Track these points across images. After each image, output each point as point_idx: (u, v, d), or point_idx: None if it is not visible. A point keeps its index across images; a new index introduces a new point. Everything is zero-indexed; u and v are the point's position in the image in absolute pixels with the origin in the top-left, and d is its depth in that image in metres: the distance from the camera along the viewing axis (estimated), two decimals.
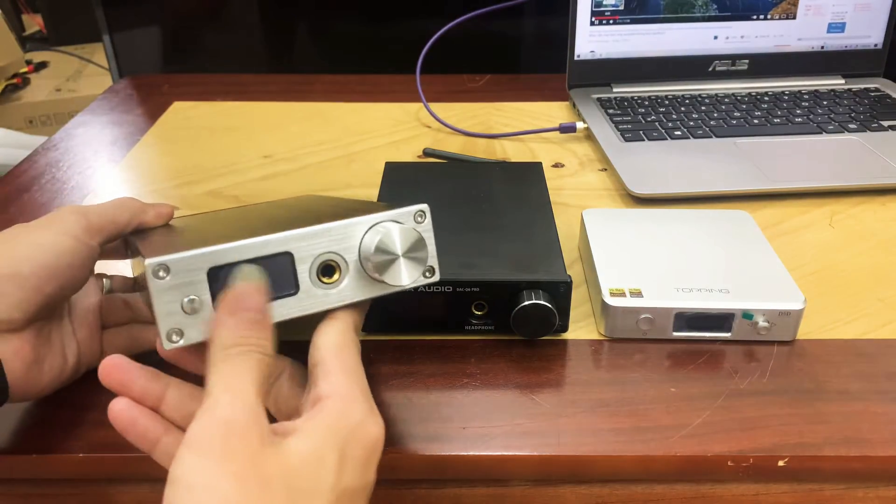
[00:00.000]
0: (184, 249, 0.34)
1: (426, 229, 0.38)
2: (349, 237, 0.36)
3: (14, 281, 0.35)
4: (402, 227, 0.36)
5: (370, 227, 0.36)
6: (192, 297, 0.34)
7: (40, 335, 0.37)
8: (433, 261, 0.38)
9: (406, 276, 0.37)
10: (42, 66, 1.91)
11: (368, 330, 0.46)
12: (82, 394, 0.42)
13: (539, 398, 0.42)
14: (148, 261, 0.33)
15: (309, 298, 0.36)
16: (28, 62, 1.85)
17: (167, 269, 0.33)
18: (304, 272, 0.36)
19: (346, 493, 0.30)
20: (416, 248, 0.37)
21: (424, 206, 0.38)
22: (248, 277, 0.33)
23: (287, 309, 0.36)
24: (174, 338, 0.34)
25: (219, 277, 0.34)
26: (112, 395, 0.42)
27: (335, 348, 0.34)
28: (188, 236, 0.40)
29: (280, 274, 0.35)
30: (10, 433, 0.39)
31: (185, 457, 0.28)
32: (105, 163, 0.72)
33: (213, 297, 0.34)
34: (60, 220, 0.38)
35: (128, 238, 0.42)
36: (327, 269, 0.36)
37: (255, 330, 0.32)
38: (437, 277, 0.39)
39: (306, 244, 0.35)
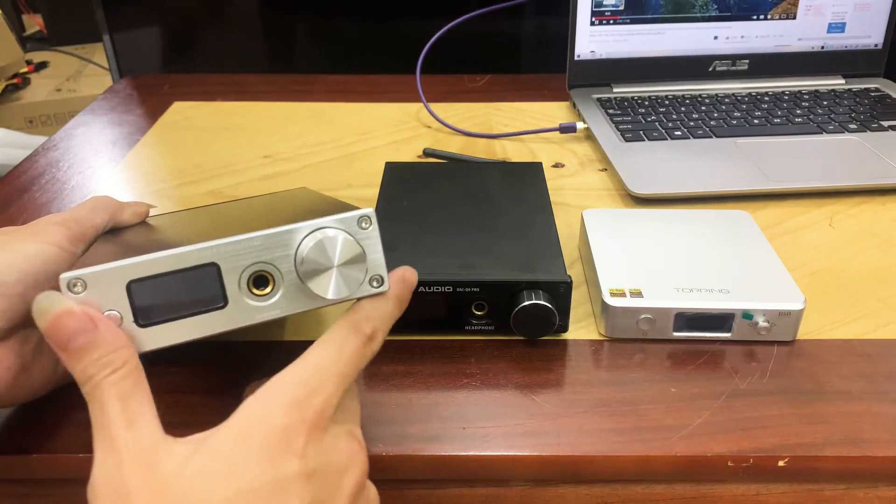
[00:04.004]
0: (107, 261, 0.32)
1: (370, 236, 0.35)
2: (283, 245, 0.34)
3: None
4: (341, 235, 0.34)
5: (307, 234, 0.34)
6: (110, 311, 0.33)
7: (27, 341, 0.37)
8: (380, 270, 0.36)
9: (337, 289, 0.35)
10: (42, 66, 1.91)
11: None
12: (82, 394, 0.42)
13: (539, 398, 0.42)
14: (63, 275, 0.32)
15: (239, 312, 0.34)
16: (28, 62, 1.85)
17: (83, 284, 0.32)
18: (233, 284, 0.34)
19: (242, 494, 0.28)
20: (354, 259, 0.35)
21: (369, 211, 0.35)
22: (46, 309, 0.31)
23: (215, 323, 0.34)
24: None
25: (141, 291, 0.33)
26: None
27: (315, 346, 0.33)
28: (128, 245, 0.39)
29: (206, 286, 0.34)
30: (10, 433, 0.39)
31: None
32: (105, 163, 0.72)
33: (134, 311, 0.33)
34: (44, 231, 0.37)
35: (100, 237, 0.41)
36: (260, 280, 0.35)
37: (91, 353, 0.30)
38: (386, 287, 0.36)
39: (233, 255, 0.34)
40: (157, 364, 0.43)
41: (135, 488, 0.27)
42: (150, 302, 0.33)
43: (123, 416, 0.29)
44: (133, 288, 0.33)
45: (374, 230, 0.36)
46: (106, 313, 0.33)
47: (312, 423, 0.30)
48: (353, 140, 0.76)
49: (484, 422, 0.40)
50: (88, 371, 0.30)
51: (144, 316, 0.34)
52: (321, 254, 0.34)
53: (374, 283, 0.36)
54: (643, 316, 0.45)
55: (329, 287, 0.35)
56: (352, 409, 0.34)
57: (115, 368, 0.30)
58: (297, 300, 0.35)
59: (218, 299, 0.34)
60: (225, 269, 0.34)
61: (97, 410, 0.30)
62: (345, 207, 0.36)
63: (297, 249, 0.34)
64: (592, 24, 0.80)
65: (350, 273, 0.35)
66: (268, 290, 0.35)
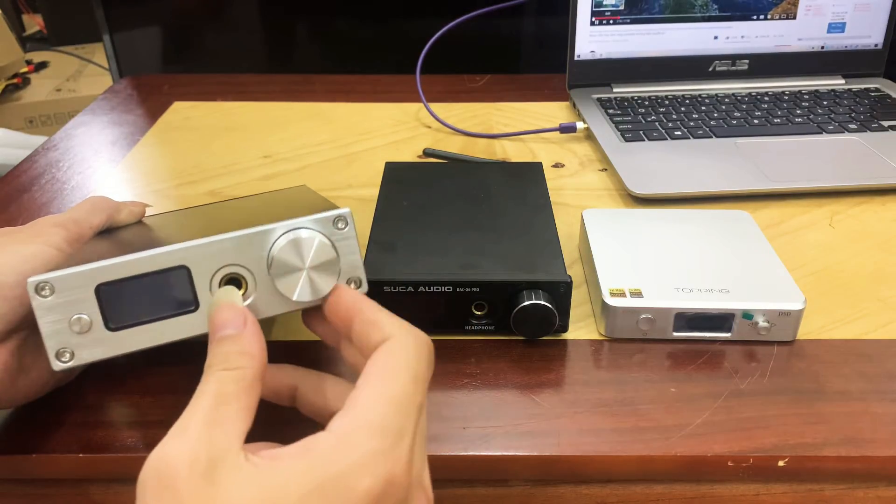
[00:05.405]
0: (76, 265, 0.32)
1: (346, 237, 0.35)
2: (255, 247, 0.34)
3: None
4: (316, 236, 0.34)
5: (280, 235, 0.34)
6: (80, 315, 0.32)
7: (25, 344, 0.37)
8: (358, 271, 0.35)
9: (301, 291, 0.34)
10: (42, 66, 1.91)
11: None
12: (83, 394, 0.42)
13: (539, 398, 0.42)
14: (30, 279, 0.32)
15: None
16: (28, 62, 1.85)
17: (51, 288, 0.32)
18: (204, 287, 0.33)
19: None
20: (326, 262, 0.34)
21: (345, 211, 0.34)
22: (217, 299, 0.32)
23: (188, 327, 0.34)
24: (64, 357, 0.33)
25: (110, 294, 0.32)
26: (114, 394, 0.42)
27: (379, 369, 0.29)
28: (111, 246, 0.38)
29: (177, 289, 0.33)
30: (10, 433, 0.39)
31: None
32: (105, 163, 0.72)
33: (104, 315, 0.33)
34: (43, 232, 0.37)
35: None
36: (233, 283, 0.34)
37: (223, 346, 0.30)
38: (364, 288, 0.36)
39: (203, 257, 0.33)
40: (157, 364, 0.44)
41: (186, 492, 0.25)
42: (119, 305, 0.33)
43: (211, 412, 0.27)
44: (102, 291, 0.33)
45: (350, 231, 0.35)
46: (75, 317, 0.32)
47: (396, 484, 0.27)
48: (353, 140, 0.76)
49: (484, 422, 0.40)
50: (213, 359, 0.30)
51: (114, 319, 0.33)
52: (292, 255, 0.33)
53: (352, 286, 0.36)
54: (643, 316, 0.45)
55: (296, 289, 0.34)
56: (423, 440, 0.30)
57: (231, 367, 0.29)
58: (271, 303, 0.35)
59: (189, 303, 0.34)
60: (196, 272, 0.33)
61: (195, 395, 0.28)
62: (325, 208, 0.36)
63: (271, 251, 0.34)
64: (592, 24, 0.80)
65: (322, 275, 0.34)
66: (240, 293, 0.34)
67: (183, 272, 0.33)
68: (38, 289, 0.32)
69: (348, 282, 0.36)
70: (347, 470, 0.26)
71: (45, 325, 0.32)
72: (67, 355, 0.33)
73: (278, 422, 0.34)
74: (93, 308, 0.33)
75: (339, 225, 0.35)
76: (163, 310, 0.33)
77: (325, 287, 0.34)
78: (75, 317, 0.32)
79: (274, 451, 0.27)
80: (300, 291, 0.34)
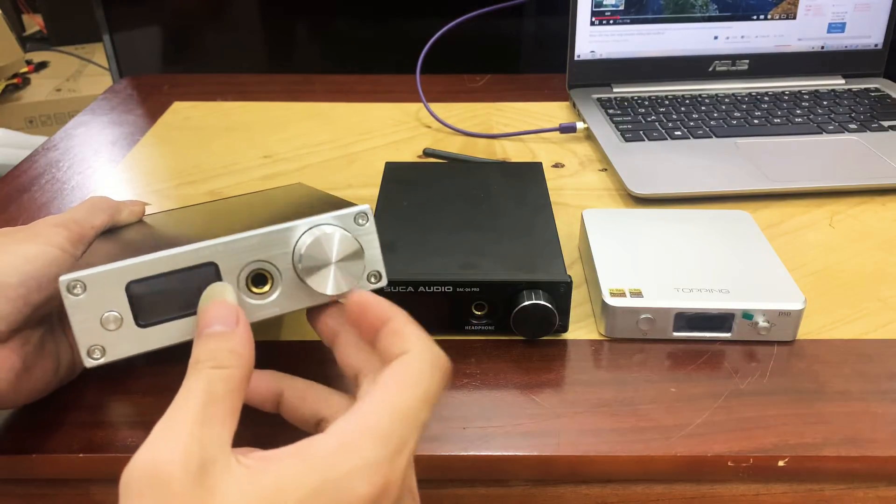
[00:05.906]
0: (104, 263, 0.33)
1: (367, 232, 0.36)
2: (280, 243, 0.34)
3: (1, 292, 0.34)
4: (339, 231, 0.35)
5: (305, 232, 0.35)
6: (111, 312, 0.33)
7: (29, 343, 0.37)
8: (378, 265, 0.37)
9: (336, 285, 0.35)
10: (42, 66, 1.91)
11: None
12: (83, 394, 0.42)
13: (539, 398, 0.42)
14: (62, 277, 0.32)
15: None
16: (28, 62, 1.85)
17: (83, 286, 0.32)
18: (231, 282, 0.34)
19: None
20: (352, 255, 0.35)
21: (365, 208, 0.36)
22: (209, 295, 0.32)
23: None
24: (95, 354, 0.33)
25: (140, 291, 0.33)
26: (113, 394, 0.42)
27: (392, 380, 0.29)
28: (126, 245, 0.39)
29: (205, 285, 0.34)
30: (10, 433, 0.39)
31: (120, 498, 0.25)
32: (105, 163, 0.72)
33: (134, 311, 0.33)
34: (45, 232, 0.37)
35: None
36: (258, 279, 0.35)
37: (212, 342, 0.30)
38: (384, 282, 0.37)
39: (231, 253, 0.34)
40: (157, 364, 0.44)
41: (180, 496, 0.25)
42: (149, 302, 0.34)
43: (201, 412, 0.27)
44: (132, 289, 0.33)
45: (370, 226, 0.36)
46: (105, 314, 0.33)
47: (390, 492, 0.27)
48: (353, 140, 0.76)
49: (484, 422, 0.40)
50: (200, 355, 0.29)
51: (144, 316, 0.34)
52: (319, 251, 0.34)
53: (373, 279, 0.37)
54: (643, 316, 0.45)
55: (328, 283, 0.35)
56: (412, 454, 0.30)
57: (220, 366, 0.29)
58: (295, 298, 0.35)
59: None
60: (223, 268, 0.34)
61: (182, 392, 0.28)
62: (341, 204, 0.37)
63: (295, 247, 0.35)
64: (592, 24, 0.80)
65: (348, 269, 0.35)
66: (266, 288, 0.35)
67: (211, 269, 0.34)
68: (70, 287, 0.32)
69: (369, 276, 0.37)
70: (347, 474, 0.26)
71: (76, 322, 0.33)
72: (98, 352, 0.33)
73: (262, 424, 0.34)
74: (123, 305, 0.33)
75: (360, 221, 0.36)
76: (191, 306, 0.34)
77: (353, 280, 0.35)
78: (106, 314, 0.33)
79: (264, 452, 0.27)
80: (331, 285, 0.35)
